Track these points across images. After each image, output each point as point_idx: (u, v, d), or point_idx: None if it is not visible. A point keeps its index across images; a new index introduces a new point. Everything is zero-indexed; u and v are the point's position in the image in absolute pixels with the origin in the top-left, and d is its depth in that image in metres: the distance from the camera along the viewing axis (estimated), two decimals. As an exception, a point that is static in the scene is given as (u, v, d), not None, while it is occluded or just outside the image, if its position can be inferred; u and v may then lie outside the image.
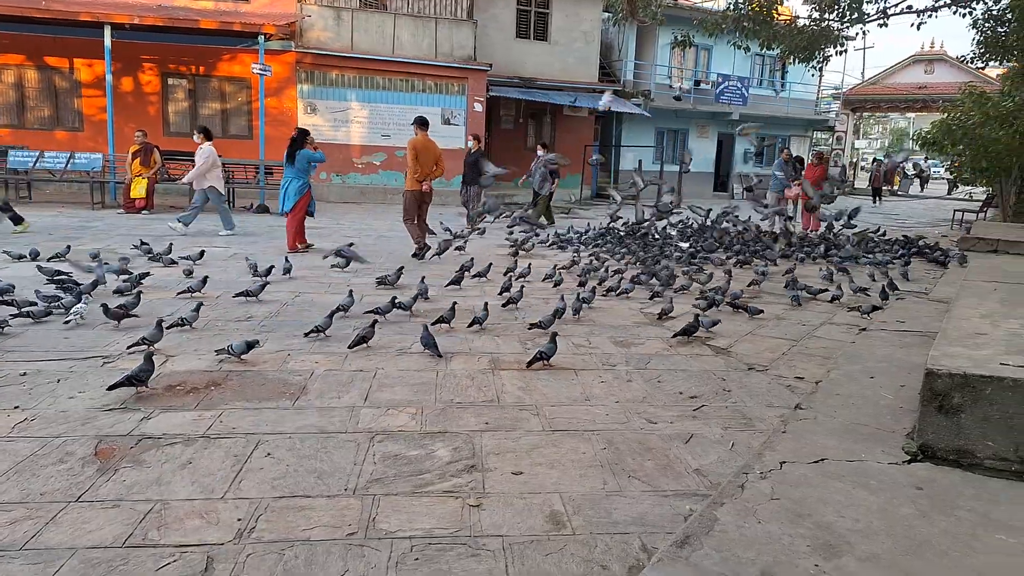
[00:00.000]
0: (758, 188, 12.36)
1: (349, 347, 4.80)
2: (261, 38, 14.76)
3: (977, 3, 15.45)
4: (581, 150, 21.23)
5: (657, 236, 11.00)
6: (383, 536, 2.49)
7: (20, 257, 7.38)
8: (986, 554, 2.10)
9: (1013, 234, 8.71)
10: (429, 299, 6.34)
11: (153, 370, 3.85)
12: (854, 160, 34.32)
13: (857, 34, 17.22)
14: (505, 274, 7.44)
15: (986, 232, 9.20)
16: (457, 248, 9.33)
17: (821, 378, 4.15)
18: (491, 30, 19.47)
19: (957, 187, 18.60)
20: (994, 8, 15.40)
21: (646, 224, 11.43)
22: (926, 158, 41.13)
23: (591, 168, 20.71)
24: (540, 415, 3.73)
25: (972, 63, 17.34)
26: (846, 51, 18.02)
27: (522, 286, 6.85)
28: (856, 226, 10.97)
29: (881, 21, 16.09)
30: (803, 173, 14.03)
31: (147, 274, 6.60)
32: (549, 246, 10.45)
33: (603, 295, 6.94)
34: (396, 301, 5.78)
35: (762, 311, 6.28)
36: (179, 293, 6.20)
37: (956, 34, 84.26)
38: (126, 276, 6.49)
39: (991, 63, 17.17)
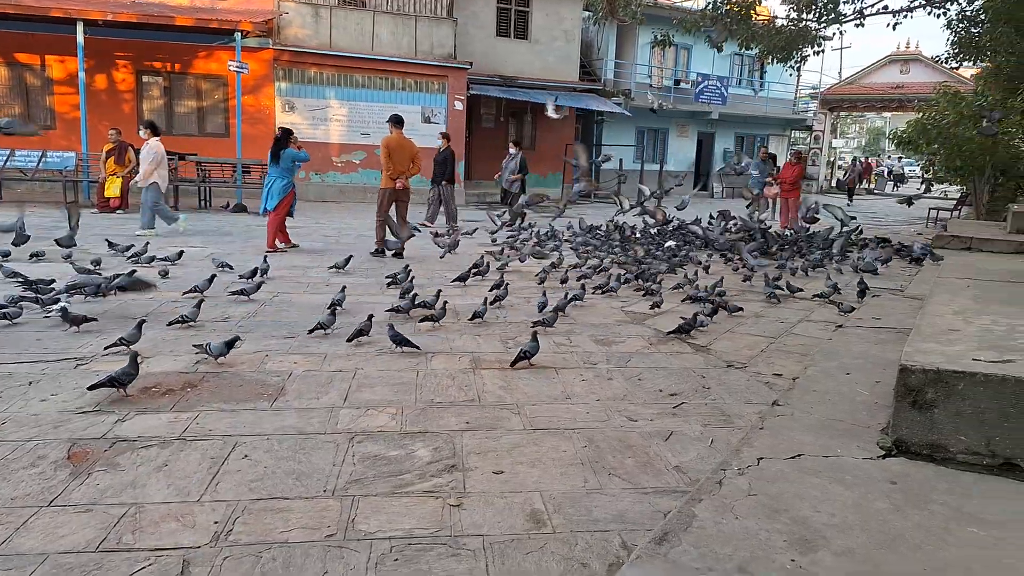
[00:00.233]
0: (738, 173, 12.61)
1: (348, 340, 4.89)
2: (238, 35, 14.61)
3: (951, 4, 15.67)
4: (562, 149, 21.26)
5: (639, 236, 11.04)
6: (362, 537, 2.47)
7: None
8: (958, 547, 2.12)
9: (986, 232, 8.85)
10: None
11: (137, 374, 3.79)
12: (831, 159, 34.66)
13: (834, 34, 17.44)
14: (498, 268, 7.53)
15: (960, 230, 9.33)
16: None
17: (798, 375, 4.19)
18: (471, 28, 19.43)
19: (932, 186, 18.86)
20: (968, 9, 15.63)
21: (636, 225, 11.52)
22: (900, 157, 41.71)
23: (571, 167, 20.79)
24: (521, 414, 3.73)
25: (946, 63, 17.60)
26: (823, 51, 18.22)
27: (506, 283, 6.85)
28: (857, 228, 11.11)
29: (857, 21, 16.26)
30: (778, 171, 14.17)
31: (134, 271, 6.49)
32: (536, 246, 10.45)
33: (591, 293, 6.98)
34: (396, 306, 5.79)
35: (741, 308, 6.33)
36: (185, 293, 6.16)
37: (931, 34, 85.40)
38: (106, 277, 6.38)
39: (965, 63, 17.44)
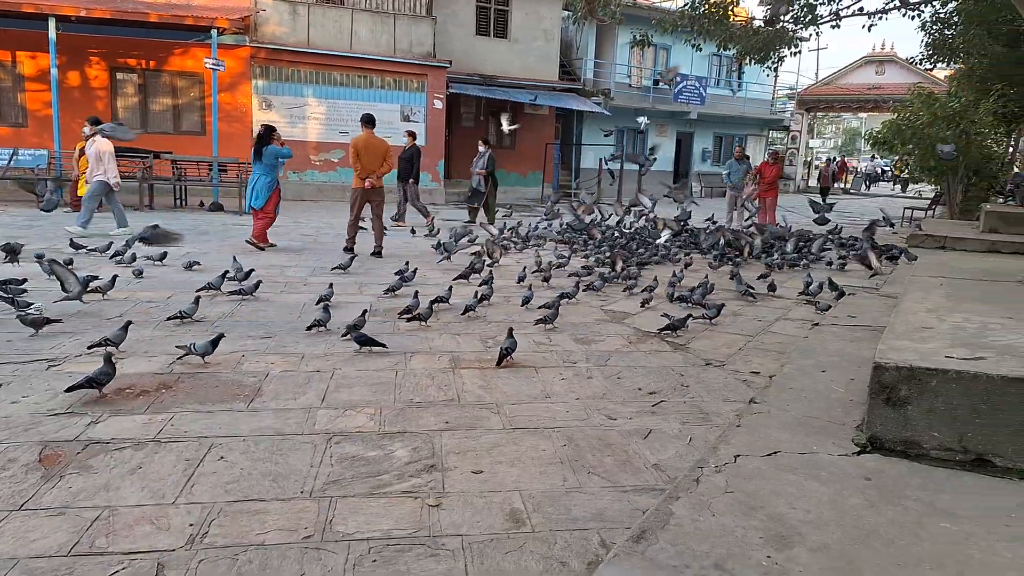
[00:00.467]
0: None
1: (342, 336, 4.94)
2: (214, 32, 14.45)
3: (925, 6, 15.91)
4: (542, 148, 21.29)
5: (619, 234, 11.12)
6: (340, 538, 2.46)
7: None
8: (931, 542, 2.16)
9: (959, 231, 8.99)
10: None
11: (114, 373, 3.73)
12: (808, 159, 35.04)
13: (811, 35, 17.63)
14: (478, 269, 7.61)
15: (934, 229, 9.47)
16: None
17: (775, 372, 4.23)
18: (450, 27, 19.38)
19: (908, 185, 19.17)
20: (941, 11, 15.89)
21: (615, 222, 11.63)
22: (872, 157, 42.24)
23: (553, 166, 20.92)
24: (501, 413, 3.72)
25: (921, 64, 17.88)
26: (800, 52, 18.41)
27: (492, 275, 6.97)
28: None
29: (833, 23, 16.46)
30: (753, 170, 14.31)
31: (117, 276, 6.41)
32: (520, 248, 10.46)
33: (583, 290, 7.05)
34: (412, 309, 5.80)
35: (705, 307, 6.36)
36: (199, 290, 6.17)
37: (906, 36, 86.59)
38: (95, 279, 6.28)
39: (939, 64, 17.73)
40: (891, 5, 16.03)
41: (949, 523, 2.28)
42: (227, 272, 6.54)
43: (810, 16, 15.88)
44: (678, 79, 24.76)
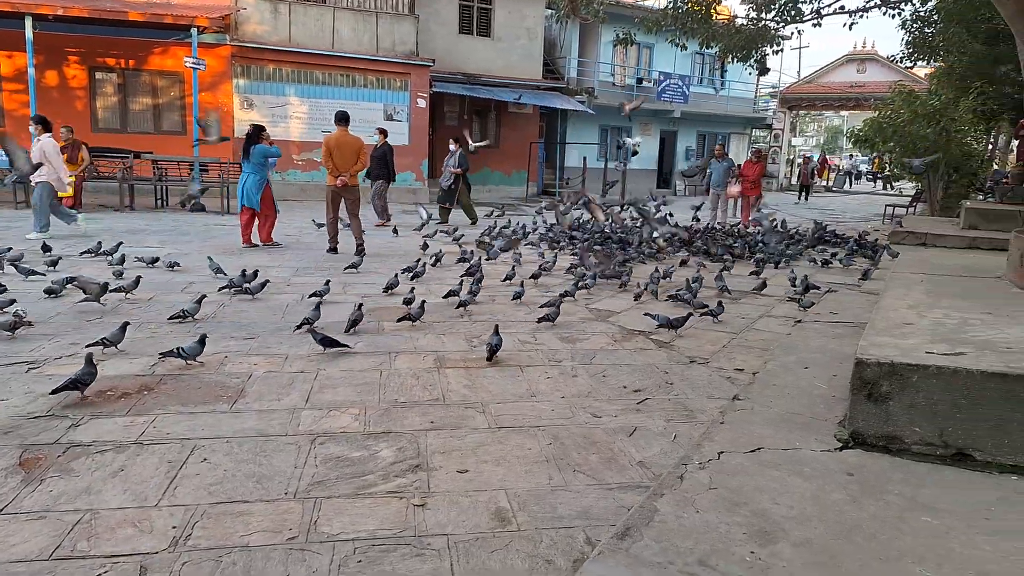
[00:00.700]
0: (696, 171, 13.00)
1: (345, 332, 5.07)
2: (194, 31, 14.31)
3: (905, 5, 16.07)
4: (526, 147, 21.28)
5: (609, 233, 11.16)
6: (325, 539, 2.44)
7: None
8: (912, 536, 2.18)
9: (940, 228, 9.06)
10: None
11: (96, 373, 3.69)
12: (791, 157, 35.29)
13: (792, 34, 17.74)
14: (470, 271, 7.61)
15: (915, 226, 9.55)
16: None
17: (759, 369, 4.26)
18: (433, 25, 19.31)
19: (891, 184, 19.37)
20: (921, 10, 16.05)
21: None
22: (851, 155, 42.62)
23: (538, 165, 20.92)
24: (486, 412, 3.72)
25: (902, 63, 18.06)
26: (782, 50, 18.53)
27: (481, 272, 7.13)
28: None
29: (815, 21, 16.58)
30: (739, 168, 14.38)
31: (107, 285, 6.31)
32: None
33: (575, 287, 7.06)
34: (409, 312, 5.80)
35: (707, 306, 6.39)
36: (221, 288, 6.30)
37: (887, 34, 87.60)
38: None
39: (919, 63, 17.92)
40: (871, 3, 16.17)
41: (930, 517, 2.30)
42: (244, 271, 6.51)
43: (794, 11, 15.97)
44: (660, 78, 24.87)
